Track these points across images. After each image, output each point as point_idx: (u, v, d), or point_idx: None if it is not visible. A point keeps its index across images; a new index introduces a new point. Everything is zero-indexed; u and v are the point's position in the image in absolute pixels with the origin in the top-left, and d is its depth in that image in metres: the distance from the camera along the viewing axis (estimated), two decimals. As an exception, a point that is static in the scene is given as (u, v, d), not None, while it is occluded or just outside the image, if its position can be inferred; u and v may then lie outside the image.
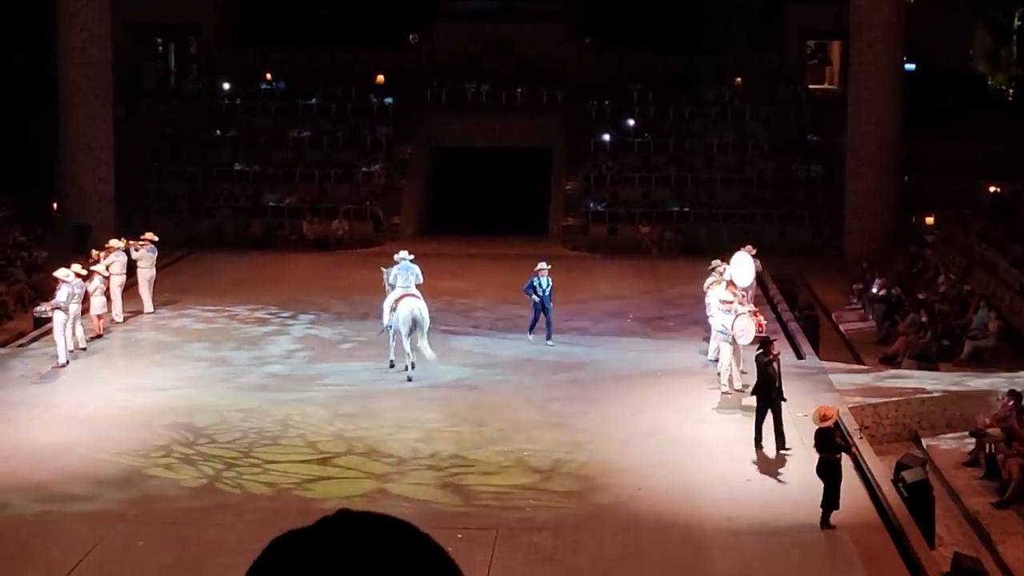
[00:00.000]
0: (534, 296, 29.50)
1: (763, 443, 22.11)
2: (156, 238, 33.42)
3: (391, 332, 26.96)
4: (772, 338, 24.36)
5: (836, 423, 19.87)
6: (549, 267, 29.58)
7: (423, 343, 26.25)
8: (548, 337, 29.37)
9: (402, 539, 2.12)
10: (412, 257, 27.78)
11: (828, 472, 18.96)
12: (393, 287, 27.21)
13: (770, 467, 21.36)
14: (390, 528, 2.13)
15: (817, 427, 19.25)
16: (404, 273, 27.24)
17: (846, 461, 19.90)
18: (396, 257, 27.84)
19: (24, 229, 40.97)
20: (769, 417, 22.12)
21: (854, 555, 18.08)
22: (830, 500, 18.85)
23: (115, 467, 21.16)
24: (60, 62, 42.13)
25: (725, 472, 21.15)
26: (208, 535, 18.56)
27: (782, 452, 21.86)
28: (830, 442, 19.16)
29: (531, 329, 29.76)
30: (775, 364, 22.55)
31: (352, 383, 26.50)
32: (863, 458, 21.60)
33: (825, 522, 18.83)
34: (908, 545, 18.49)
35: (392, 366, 27.03)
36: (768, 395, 22.26)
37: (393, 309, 26.66)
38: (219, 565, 17.37)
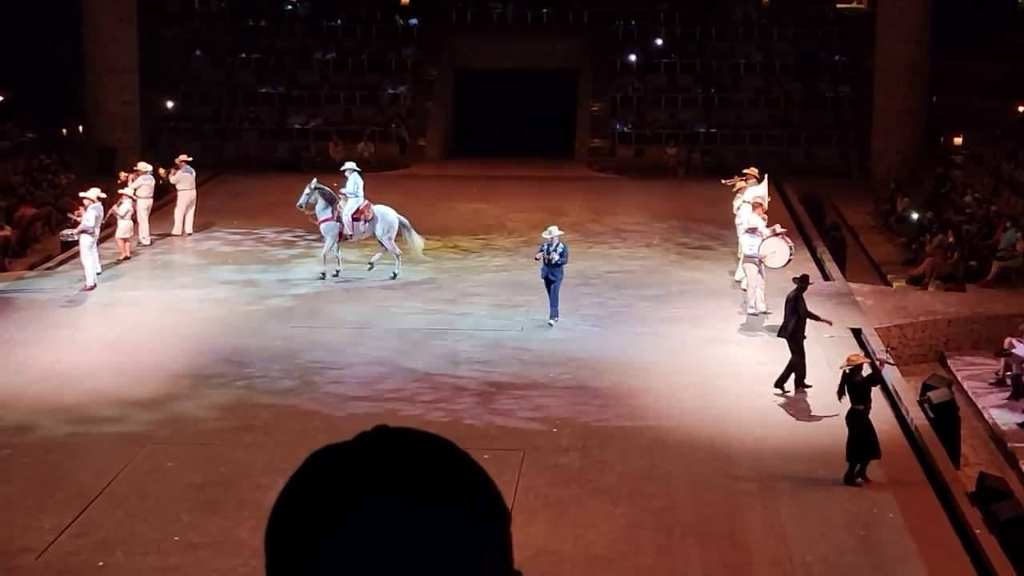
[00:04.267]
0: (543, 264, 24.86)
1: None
2: (191, 158, 33.42)
3: (386, 244, 28.51)
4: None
5: (863, 368, 18.50)
6: (561, 233, 25.12)
7: (413, 236, 28.61)
8: (552, 315, 25.05)
9: (440, 455, 2.12)
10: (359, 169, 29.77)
11: (853, 422, 17.98)
12: (355, 196, 28.67)
13: (797, 388, 21.34)
14: (429, 444, 2.13)
15: (844, 371, 18.41)
16: (357, 181, 28.94)
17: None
18: (347, 168, 29.46)
19: (50, 152, 41.04)
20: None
21: (880, 475, 18.11)
22: (855, 452, 17.86)
23: (143, 389, 21.28)
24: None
25: (751, 393, 21.18)
26: (237, 456, 18.69)
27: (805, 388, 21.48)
28: (857, 389, 18.12)
29: (552, 310, 25.16)
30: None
31: (380, 302, 26.57)
32: (890, 379, 21.58)
33: (850, 476, 17.84)
34: (934, 465, 18.51)
35: (395, 276, 28.38)
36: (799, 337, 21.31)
37: (369, 220, 28.37)
38: (249, 485, 17.50)
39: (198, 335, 24.38)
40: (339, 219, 28.34)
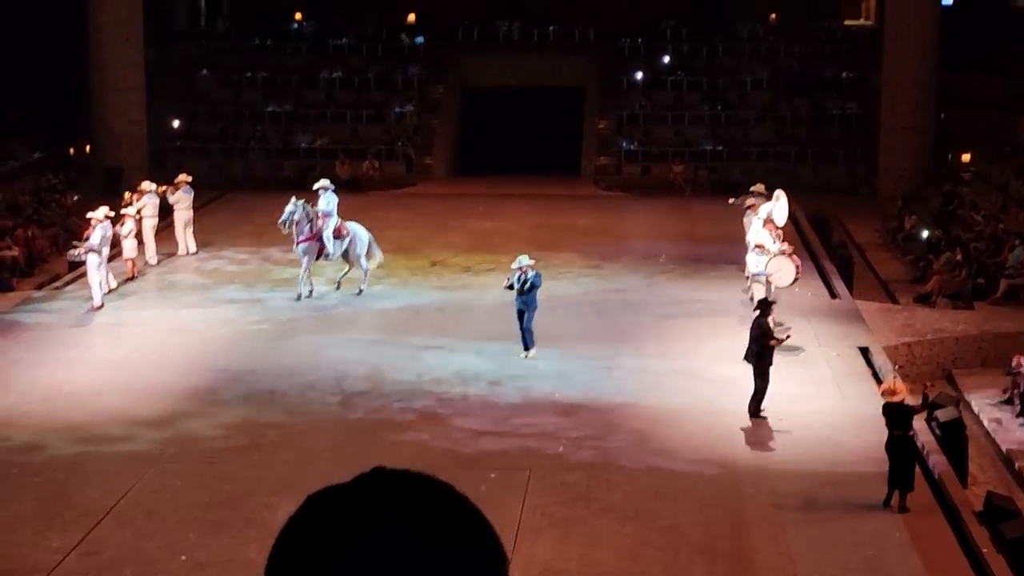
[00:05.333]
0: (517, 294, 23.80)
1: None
2: (191, 178, 33.44)
3: (358, 261, 28.75)
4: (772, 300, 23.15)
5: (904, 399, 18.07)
6: (531, 263, 23.96)
7: (377, 251, 29.00)
8: (525, 347, 24.00)
9: (439, 498, 2.13)
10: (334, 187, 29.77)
11: (898, 450, 17.69)
12: (330, 214, 28.71)
13: (803, 406, 21.31)
14: (427, 486, 2.14)
15: (885, 402, 18.04)
16: (332, 199, 29.03)
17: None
18: (322, 186, 29.41)
19: (57, 172, 41.11)
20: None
21: (886, 493, 18.05)
22: (899, 479, 17.62)
23: (151, 408, 21.30)
24: (89, 4, 42.12)
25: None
26: (244, 474, 18.69)
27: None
28: (901, 419, 17.78)
29: (525, 342, 24.04)
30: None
31: (387, 321, 26.59)
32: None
33: (888, 500, 17.63)
34: (941, 484, 18.47)
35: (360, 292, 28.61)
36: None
37: (343, 236, 28.50)
38: (256, 504, 17.51)
39: (205, 354, 24.41)
40: (320, 238, 28.33)
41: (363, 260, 28.71)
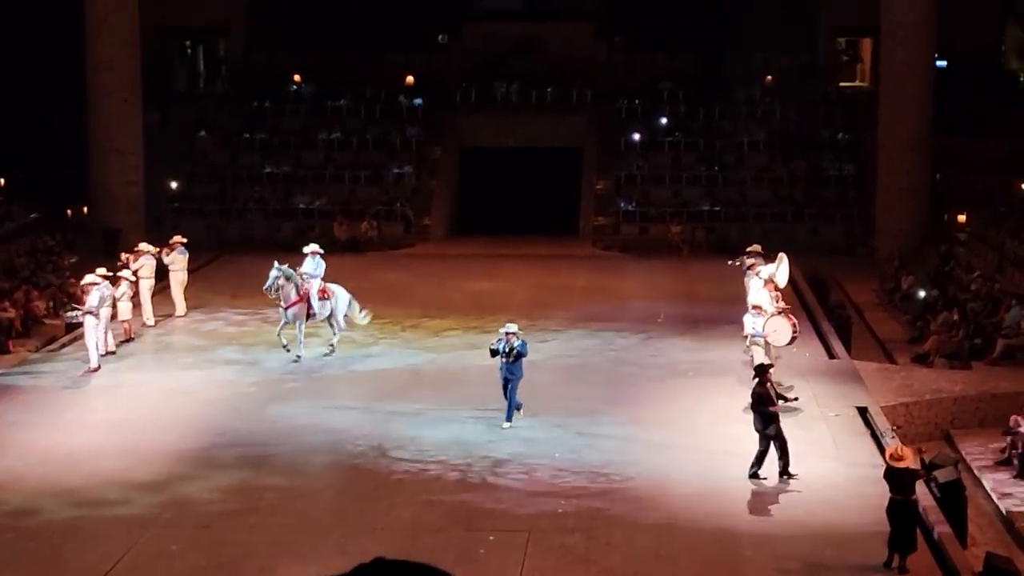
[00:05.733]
0: (501, 359, 23.35)
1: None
2: (186, 240, 33.45)
3: (336, 321, 28.81)
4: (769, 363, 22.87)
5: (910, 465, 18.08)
6: (517, 330, 23.61)
7: (357, 311, 29.15)
8: (507, 417, 23.53)
9: None
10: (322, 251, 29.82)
11: (900, 514, 17.59)
12: (315, 277, 28.79)
13: (802, 467, 21.23)
14: None
15: (888, 466, 17.99)
16: (318, 264, 29.16)
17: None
18: (310, 249, 29.57)
19: (54, 233, 41.15)
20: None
21: (886, 555, 17.96)
22: (899, 541, 17.53)
23: (148, 471, 21.21)
24: (88, 66, 42.30)
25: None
26: (241, 538, 18.59)
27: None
28: (904, 484, 17.70)
29: (508, 413, 23.63)
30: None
31: (383, 384, 26.53)
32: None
33: (889, 562, 17.51)
34: (941, 545, 18.39)
35: (333, 351, 28.70)
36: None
37: (328, 297, 28.61)
38: (253, 568, 17.41)
39: (202, 416, 24.35)
40: (307, 300, 28.31)
41: (342, 320, 28.80)
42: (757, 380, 21.29)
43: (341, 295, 28.90)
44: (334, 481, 20.93)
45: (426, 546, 17.72)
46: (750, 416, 23.86)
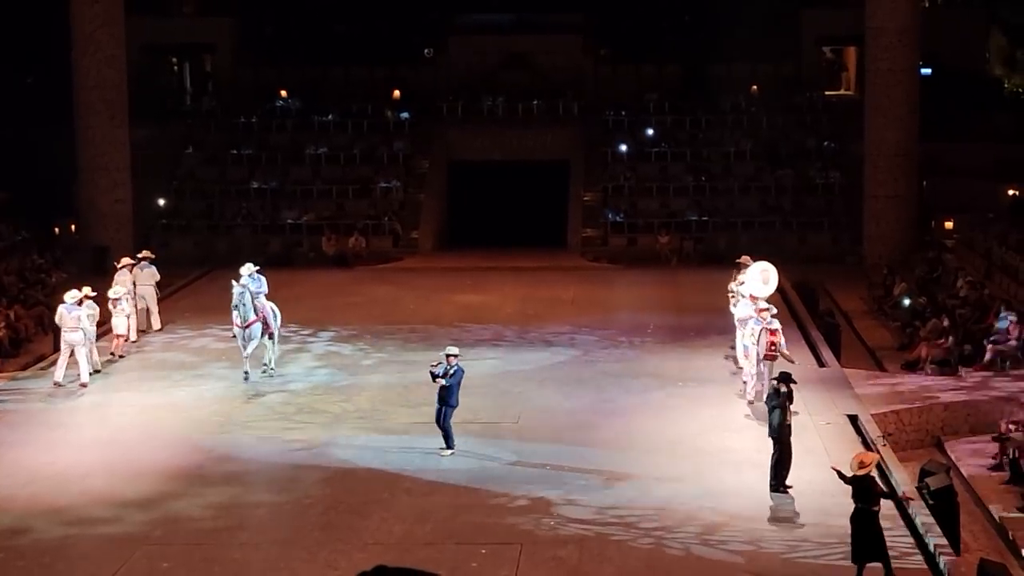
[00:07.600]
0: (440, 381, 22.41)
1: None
2: (153, 255, 33.46)
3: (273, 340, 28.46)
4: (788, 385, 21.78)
5: (872, 472, 17.81)
6: (458, 354, 22.70)
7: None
8: (448, 446, 22.67)
9: None
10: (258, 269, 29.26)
11: (862, 523, 17.37)
12: (261, 293, 28.48)
13: (793, 476, 21.20)
14: None
15: (852, 475, 17.68)
16: (260, 282, 28.82)
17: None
18: (247, 271, 28.73)
19: (42, 252, 41.09)
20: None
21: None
22: (864, 553, 17.26)
23: (137, 489, 21.13)
24: (75, 84, 42.26)
25: (749, 482, 21.03)
26: (232, 555, 18.51)
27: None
28: (867, 492, 17.49)
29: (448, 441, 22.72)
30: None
31: (375, 399, 26.49)
32: (887, 465, 21.49)
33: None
34: (934, 552, 18.37)
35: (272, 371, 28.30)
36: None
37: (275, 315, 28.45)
38: (243, 585, 17.33)
39: (192, 433, 24.27)
40: (264, 319, 28.08)
41: (277, 338, 28.58)
42: (783, 385, 20.80)
43: (277, 313, 28.63)
44: (324, 497, 20.86)
45: (418, 560, 17.65)
46: (740, 426, 23.94)
